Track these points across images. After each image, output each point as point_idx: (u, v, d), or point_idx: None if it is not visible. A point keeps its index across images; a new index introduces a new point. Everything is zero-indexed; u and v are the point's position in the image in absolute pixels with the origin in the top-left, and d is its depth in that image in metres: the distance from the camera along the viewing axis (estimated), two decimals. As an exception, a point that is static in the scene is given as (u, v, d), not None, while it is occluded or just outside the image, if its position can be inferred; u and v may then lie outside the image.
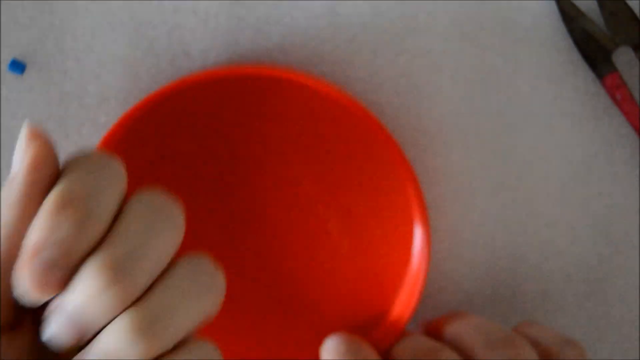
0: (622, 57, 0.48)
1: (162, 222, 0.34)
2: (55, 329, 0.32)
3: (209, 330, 0.47)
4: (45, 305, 0.33)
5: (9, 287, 0.33)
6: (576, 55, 0.48)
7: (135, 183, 0.47)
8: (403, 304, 0.48)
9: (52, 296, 0.32)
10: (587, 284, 0.50)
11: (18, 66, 0.47)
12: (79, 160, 0.34)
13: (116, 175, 0.34)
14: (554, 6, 0.48)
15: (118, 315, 0.32)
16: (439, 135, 0.48)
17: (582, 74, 0.48)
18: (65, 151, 0.48)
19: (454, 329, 0.45)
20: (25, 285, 0.32)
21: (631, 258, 0.50)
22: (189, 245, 0.48)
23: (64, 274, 0.32)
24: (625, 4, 0.47)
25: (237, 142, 0.47)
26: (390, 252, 0.48)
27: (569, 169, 0.49)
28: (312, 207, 0.48)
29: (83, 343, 0.33)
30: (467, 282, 0.50)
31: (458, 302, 0.50)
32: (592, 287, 0.50)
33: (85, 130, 0.48)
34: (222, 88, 0.46)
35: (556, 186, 0.49)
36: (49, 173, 0.34)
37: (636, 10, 0.47)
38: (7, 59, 0.48)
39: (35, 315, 0.34)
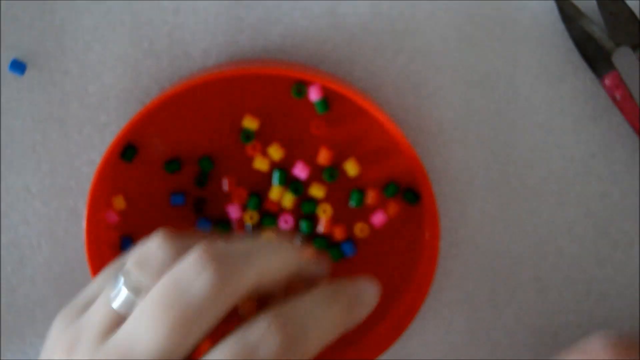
0: (622, 57, 0.48)
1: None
2: None
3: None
4: None
5: None
6: (576, 55, 0.48)
7: (145, 184, 0.48)
8: (410, 302, 0.48)
9: None
10: (587, 284, 0.50)
11: (18, 66, 0.47)
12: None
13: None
14: (553, 6, 0.48)
15: None
16: (439, 135, 0.49)
17: (582, 74, 0.48)
18: (65, 151, 0.48)
19: None
20: None
21: (631, 258, 0.50)
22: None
23: None
24: (625, 4, 0.47)
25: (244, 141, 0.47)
26: (399, 249, 0.48)
27: (569, 168, 0.49)
28: (319, 205, 0.48)
29: None
30: (467, 281, 0.50)
31: (458, 302, 0.50)
32: (592, 287, 0.50)
33: (85, 130, 0.48)
34: (232, 86, 0.46)
35: (556, 186, 0.49)
36: None
37: (636, 10, 0.47)
38: (7, 59, 0.48)
39: None
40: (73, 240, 0.49)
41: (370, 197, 0.47)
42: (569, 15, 0.47)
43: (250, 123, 0.46)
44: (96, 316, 0.37)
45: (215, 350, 0.35)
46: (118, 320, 0.37)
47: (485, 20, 0.48)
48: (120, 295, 0.37)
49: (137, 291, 0.37)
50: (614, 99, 0.47)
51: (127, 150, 0.46)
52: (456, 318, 0.50)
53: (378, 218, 0.48)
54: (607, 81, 0.47)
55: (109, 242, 0.48)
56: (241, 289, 0.36)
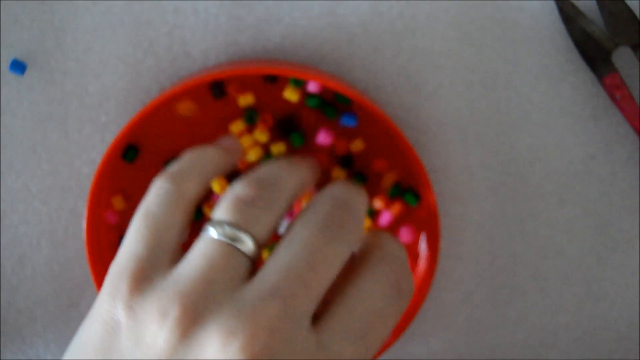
0: (622, 57, 0.48)
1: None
2: None
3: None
4: None
5: None
6: (576, 55, 0.48)
7: (145, 184, 0.48)
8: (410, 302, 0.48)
9: None
10: (587, 284, 0.50)
11: (19, 66, 0.47)
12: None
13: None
14: (553, 6, 0.48)
15: None
16: (439, 135, 0.49)
17: (582, 74, 0.48)
18: (65, 151, 0.48)
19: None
20: None
21: (631, 258, 0.50)
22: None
23: None
24: (625, 4, 0.47)
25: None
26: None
27: (569, 168, 0.49)
28: None
29: None
30: (467, 281, 0.50)
31: (458, 301, 0.50)
32: (592, 287, 0.50)
33: (85, 130, 0.48)
34: (232, 86, 0.46)
35: (556, 186, 0.49)
36: None
37: (636, 11, 0.47)
38: (7, 59, 0.48)
39: None
40: (73, 240, 0.49)
41: (378, 202, 0.47)
42: (569, 15, 0.47)
43: (245, 100, 0.46)
44: (211, 264, 0.36)
45: (294, 231, 0.38)
46: (240, 265, 0.36)
47: (485, 20, 0.48)
48: (229, 237, 0.37)
49: (239, 231, 0.37)
50: (614, 99, 0.47)
51: (128, 151, 0.46)
52: (456, 318, 0.50)
53: (384, 218, 0.48)
54: (607, 81, 0.47)
55: (109, 242, 0.48)
56: (362, 227, 0.40)
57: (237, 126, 0.47)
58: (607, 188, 0.49)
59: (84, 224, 0.46)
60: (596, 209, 0.49)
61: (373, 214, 0.48)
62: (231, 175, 0.47)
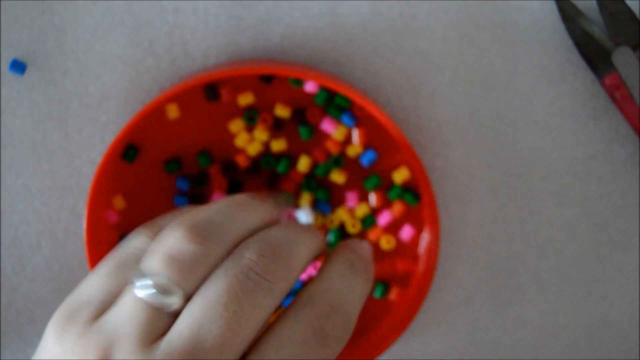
0: (622, 57, 0.48)
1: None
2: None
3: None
4: None
5: None
6: (576, 55, 0.48)
7: (145, 184, 0.48)
8: (409, 302, 0.48)
9: None
10: (587, 284, 0.50)
11: (19, 66, 0.47)
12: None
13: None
14: (553, 6, 0.48)
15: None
16: (439, 135, 0.49)
17: (582, 74, 0.48)
18: (65, 151, 0.48)
19: None
20: None
21: (631, 258, 0.50)
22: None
23: None
24: (625, 4, 0.47)
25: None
26: (399, 249, 0.48)
27: (569, 168, 0.49)
28: (319, 205, 0.48)
29: None
30: (467, 281, 0.50)
31: (458, 301, 0.50)
32: (592, 287, 0.50)
33: (85, 130, 0.48)
34: (232, 86, 0.46)
35: (556, 186, 0.49)
36: None
37: (636, 11, 0.47)
38: (7, 59, 0.48)
39: None
40: (73, 240, 0.49)
41: (376, 199, 0.47)
42: (569, 15, 0.47)
43: (245, 99, 0.46)
44: (130, 318, 0.35)
45: (211, 281, 0.35)
46: (160, 320, 0.35)
47: (485, 20, 0.48)
48: (155, 294, 0.35)
49: (170, 289, 0.35)
50: (614, 99, 0.47)
51: (128, 151, 0.46)
52: (456, 318, 0.50)
53: (385, 218, 0.48)
54: (607, 81, 0.47)
55: (109, 242, 0.48)
56: (295, 278, 0.37)
57: (235, 125, 0.47)
58: (607, 188, 0.49)
59: (84, 224, 0.46)
60: (596, 209, 0.49)
61: (374, 214, 0.48)
62: (228, 169, 0.47)
